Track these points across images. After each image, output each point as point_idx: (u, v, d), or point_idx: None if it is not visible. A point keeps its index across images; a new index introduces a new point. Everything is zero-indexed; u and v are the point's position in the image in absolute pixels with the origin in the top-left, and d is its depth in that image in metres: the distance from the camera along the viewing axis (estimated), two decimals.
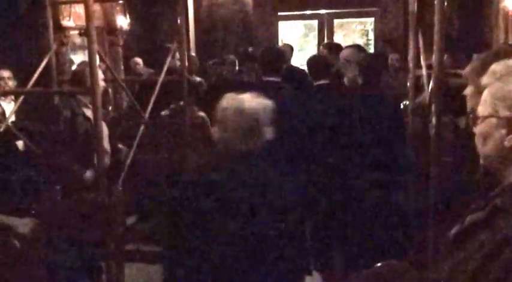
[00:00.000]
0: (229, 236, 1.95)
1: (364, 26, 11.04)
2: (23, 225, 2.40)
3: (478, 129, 1.28)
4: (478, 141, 1.29)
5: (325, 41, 8.01)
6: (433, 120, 2.99)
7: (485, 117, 1.24)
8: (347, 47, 4.32)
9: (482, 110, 1.26)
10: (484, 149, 1.27)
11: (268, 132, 2.07)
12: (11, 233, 2.38)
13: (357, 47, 4.22)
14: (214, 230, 1.97)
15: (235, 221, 1.94)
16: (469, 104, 2.15)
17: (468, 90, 2.18)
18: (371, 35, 11.05)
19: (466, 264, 1.15)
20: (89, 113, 3.64)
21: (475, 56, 2.95)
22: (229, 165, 2.06)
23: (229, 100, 2.09)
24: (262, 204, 1.98)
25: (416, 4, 4.03)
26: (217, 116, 2.08)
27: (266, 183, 2.04)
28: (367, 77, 3.82)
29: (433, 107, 3.04)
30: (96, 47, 3.07)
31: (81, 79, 3.62)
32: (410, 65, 4.04)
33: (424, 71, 3.72)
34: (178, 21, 4.20)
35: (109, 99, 5.05)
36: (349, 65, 3.84)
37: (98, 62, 3.00)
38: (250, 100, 2.08)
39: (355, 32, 10.78)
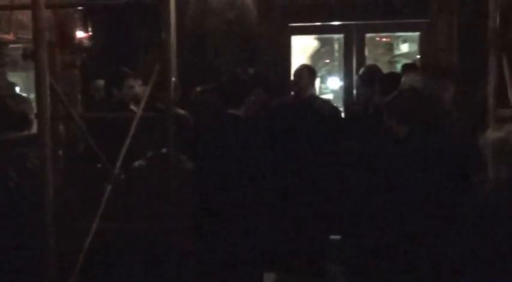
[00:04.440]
0: None
1: (388, 39, 10.93)
2: None
3: None
4: None
5: (354, 60, 7.76)
6: None
7: None
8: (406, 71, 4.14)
9: None
10: None
11: None
12: None
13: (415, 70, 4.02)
14: None
15: None
16: None
17: None
18: (398, 51, 10.96)
19: None
20: None
21: None
22: None
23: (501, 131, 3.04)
24: None
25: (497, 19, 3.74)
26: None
27: None
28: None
29: None
30: (47, 71, 2.78)
31: None
32: (491, 100, 3.76)
33: None
34: (163, 34, 3.96)
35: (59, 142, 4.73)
36: None
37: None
38: None
39: (377, 46, 10.65)
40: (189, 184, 4.35)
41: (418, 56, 8.76)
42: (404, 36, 10.02)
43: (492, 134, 3.00)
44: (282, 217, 5.45)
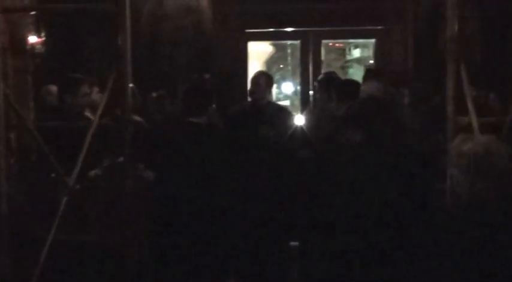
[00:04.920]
0: None
1: (341, 45, 10.99)
2: None
3: None
4: None
5: (311, 66, 7.70)
6: None
7: None
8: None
9: None
10: None
11: None
12: None
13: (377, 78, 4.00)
14: None
15: None
16: None
17: None
18: (350, 56, 11.02)
19: None
20: None
21: None
22: None
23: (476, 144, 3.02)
24: None
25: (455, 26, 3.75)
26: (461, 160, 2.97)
27: None
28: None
29: None
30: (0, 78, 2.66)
31: None
32: (449, 108, 3.76)
33: (474, 120, 3.44)
34: (119, 40, 3.86)
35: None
36: None
37: None
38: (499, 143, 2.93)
39: (330, 52, 10.72)
40: (147, 193, 4.23)
41: (371, 61, 8.83)
42: (356, 42, 10.09)
43: (464, 146, 2.97)
44: (242, 224, 5.37)
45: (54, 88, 6.53)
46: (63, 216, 3.48)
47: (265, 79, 5.94)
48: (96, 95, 4.86)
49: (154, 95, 6.16)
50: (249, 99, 6.24)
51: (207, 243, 4.36)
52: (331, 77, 5.93)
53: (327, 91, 5.63)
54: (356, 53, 10.76)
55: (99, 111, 3.70)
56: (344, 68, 11.07)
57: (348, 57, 11.12)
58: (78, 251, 4.04)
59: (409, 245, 3.84)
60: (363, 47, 10.21)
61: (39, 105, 5.85)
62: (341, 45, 10.94)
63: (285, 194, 5.69)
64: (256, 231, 5.73)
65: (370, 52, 10.12)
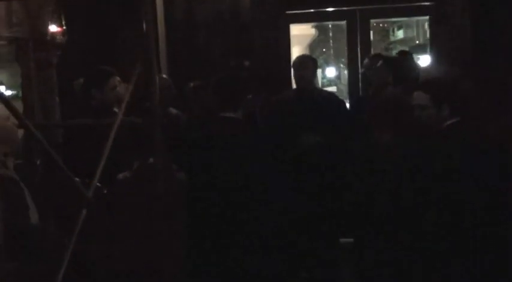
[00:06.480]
0: None
1: (384, 25, 10.60)
2: None
3: None
4: None
5: (359, 48, 7.18)
6: None
7: None
8: None
9: None
10: None
11: None
12: None
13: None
14: None
15: None
16: None
17: None
18: (393, 37, 10.57)
19: None
20: None
21: None
22: None
23: None
24: None
25: None
26: None
27: None
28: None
29: None
30: None
31: None
32: None
33: None
34: (144, 27, 3.39)
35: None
36: None
37: None
38: None
39: (374, 32, 10.28)
40: (182, 197, 3.79)
41: (417, 42, 8.32)
42: (399, 21, 9.60)
43: None
44: (289, 221, 4.94)
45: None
46: (87, 224, 3.05)
47: (311, 63, 5.54)
48: (121, 87, 4.45)
49: (191, 85, 5.76)
50: (294, 86, 5.79)
51: (249, 245, 3.95)
52: (389, 59, 5.49)
53: (386, 73, 5.18)
54: (400, 34, 10.39)
55: (123, 107, 3.25)
56: (388, 49, 10.71)
57: (392, 39, 10.74)
58: (105, 262, 3.66)
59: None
60: (407, 27, 9.79)
61: (71, 101, 5.53)
62: (384, 25, 10.52)
63: (338, 185, 5.22)
64: (304, 228, 5.28)
65: (414, 33, 9.66)
